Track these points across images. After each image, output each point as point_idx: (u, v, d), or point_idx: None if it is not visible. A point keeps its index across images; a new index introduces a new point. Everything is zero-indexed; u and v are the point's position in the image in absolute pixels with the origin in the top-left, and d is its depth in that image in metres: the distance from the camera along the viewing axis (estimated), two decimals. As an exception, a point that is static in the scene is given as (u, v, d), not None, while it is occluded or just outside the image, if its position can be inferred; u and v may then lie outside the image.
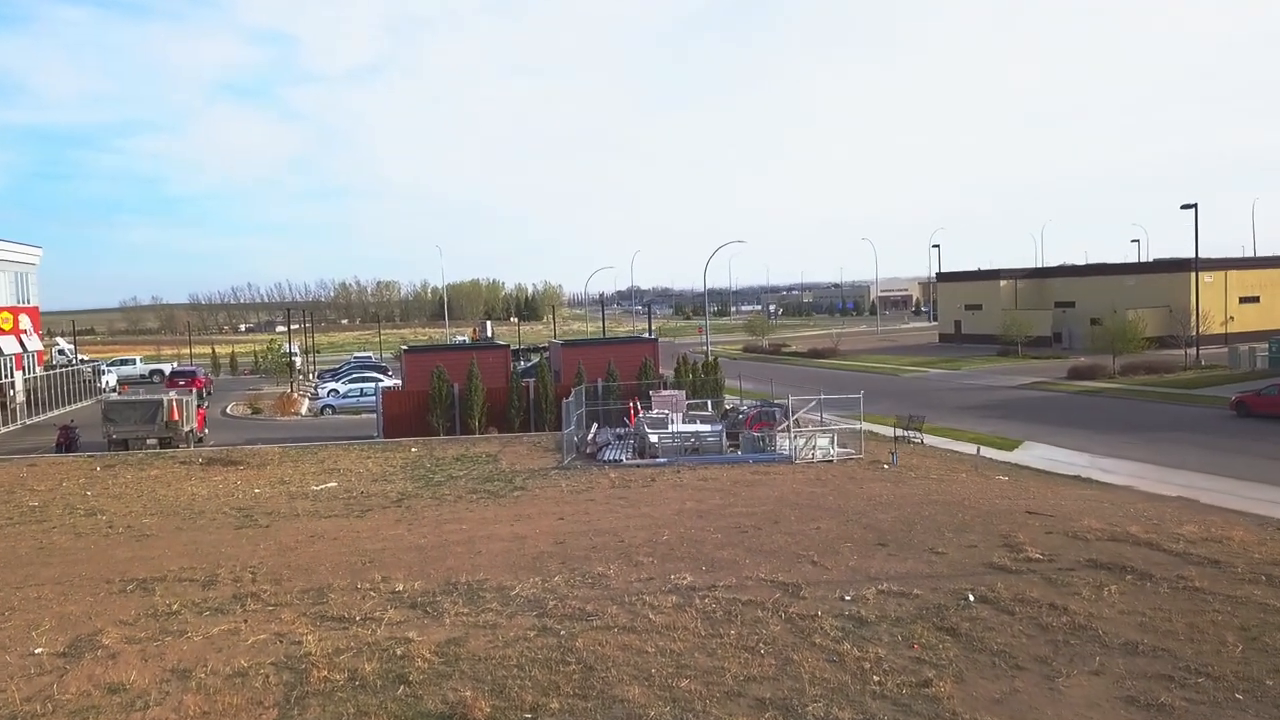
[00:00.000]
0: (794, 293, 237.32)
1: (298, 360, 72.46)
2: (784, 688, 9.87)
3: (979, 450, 26.99)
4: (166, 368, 70.88)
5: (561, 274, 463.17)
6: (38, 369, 52.02)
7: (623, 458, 25.93)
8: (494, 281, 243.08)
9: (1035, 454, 29.23)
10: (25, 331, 51.19)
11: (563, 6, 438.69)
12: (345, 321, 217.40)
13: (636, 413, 30.42)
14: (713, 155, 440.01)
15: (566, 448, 27.15)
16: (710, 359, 39.09)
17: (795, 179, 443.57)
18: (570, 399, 29.01)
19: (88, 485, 25.14)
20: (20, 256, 52.67)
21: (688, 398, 32.90)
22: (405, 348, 47.40)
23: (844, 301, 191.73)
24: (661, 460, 25.23)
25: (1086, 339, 68.60)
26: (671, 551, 15.66)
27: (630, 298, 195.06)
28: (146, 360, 77.56)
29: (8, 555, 17.45)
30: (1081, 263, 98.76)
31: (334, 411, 47.16)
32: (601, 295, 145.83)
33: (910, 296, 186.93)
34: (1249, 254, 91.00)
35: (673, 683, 10.04)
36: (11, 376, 46.78)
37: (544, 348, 54.88)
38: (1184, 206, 53.57)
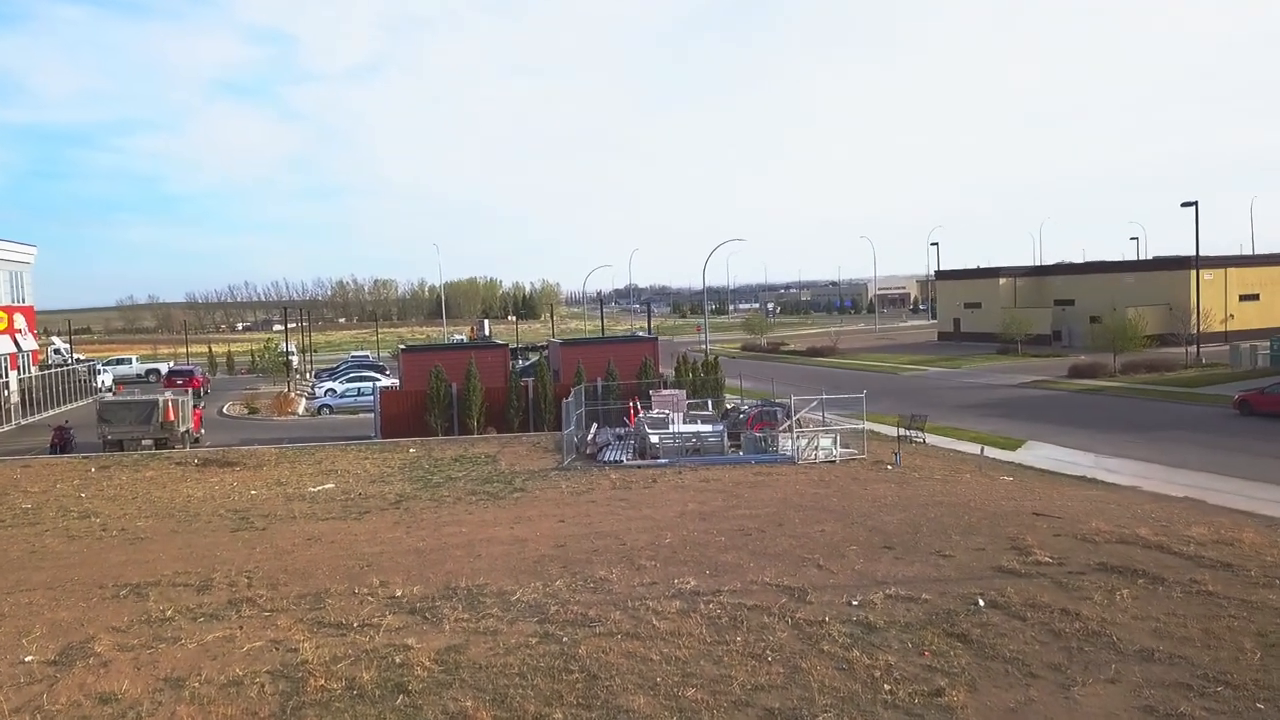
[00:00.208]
0: (791, 291, 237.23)
1: (295, 359, 72.17)
2: (793, 697, 9.63)
3: (983, 450, 26.78)
4: (163, 367, 70.58)
5: (559, 272, 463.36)
6: (33, 369, 51.67)
7: (623, 458, 25.68)
8: (491, 280, 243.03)
9: (1039, 454, 29.00)
10: (20, 331, 50.84)
11: (562, 6, 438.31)
12: (342, 320, 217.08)
13: (636, 412, 30.17)
14: (710, 154, 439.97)
15: (566, 448, 26.89)
16: (711, 358, 38.84)
17: (793, 178, 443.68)
18: (570, 399, 28.75)
19: (82, 487, 24.85)
20: (14, 255, 52.31)
21: (688, 397, 32.65)
22: (403, 347, 47.14)
23: (842, 300, 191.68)
24: (662, 461, 24.98)
25: (1086, 337, 68.45)
26: (674, 555, 15.41)
27: (628, 296, 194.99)
28: (143, 360, 77.27)
29: (-1, 559, 17.19)
30: (1080, 261, 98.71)
31: (331, 411, 46.87)
32: (599, 294, 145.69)
33: (908, 295, 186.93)
34: (1247, 252, 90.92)
35: (679, 692, 9.79)
36: (6, 377, 46.43)
37: (542, 346, 54.63)
38: (1184, 204, 53.43)
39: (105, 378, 60.45)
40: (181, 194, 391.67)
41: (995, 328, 72.29)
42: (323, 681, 10.27)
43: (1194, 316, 54.27)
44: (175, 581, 14.99)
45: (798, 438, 25.10)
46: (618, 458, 25.81)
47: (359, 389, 47.95)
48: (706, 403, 33.53)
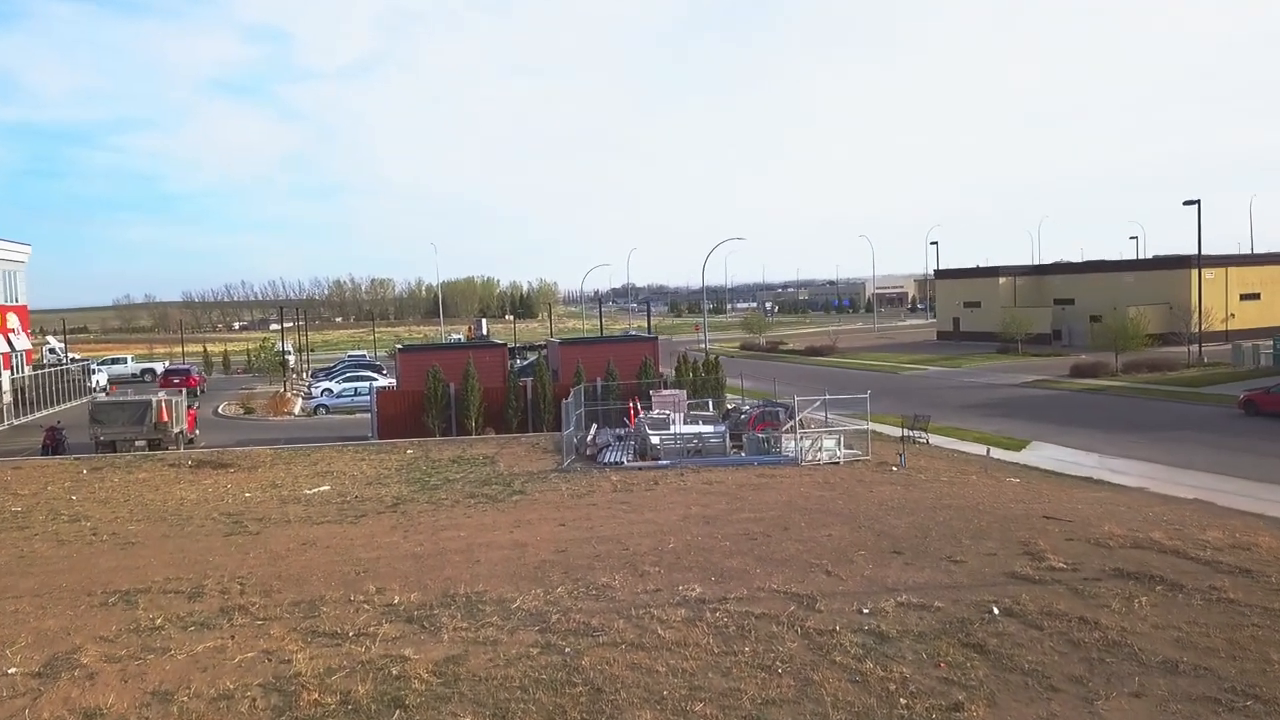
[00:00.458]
0: (789, 290, 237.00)
1: (291, 359, 71.73)
2: (805, 712, 9.26)
3: (989, 451, 26.42)
4: (158, 366, 70.10)
5: (557, 271, 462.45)
6: (26, 369, 51.18)
7: (624, 460, 25.29)
8: (489, 279, 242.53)
9: (1044, 454, 28.66)
10: (13, 330, 50.35)
11: (559, 5, 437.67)
12: (339, 319, 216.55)
13: (636, 413, 29.79)
14: (709, 153, 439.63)
15: (566, 449, 26.50)
16: (711, 358, 38.46)
17: (791, 178, 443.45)
18: (569, 399, 28.35)
19: (73, 489, 24.43)
20: (8, 254, 51.82)
21: (688, 397, 32.27)
22: (400, 347, 46.73)
23: (840, 299, 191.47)
24: (664, 462, 24.60)
25: (1086, 336, 68.18)
26: (678, 560, 15.04)
27: (626, 295, 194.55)
28: (138, 359, 76.79)
29: (-14, 564, 16.77)
30: (1078, 260, 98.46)
31: (328, 411, 46.46)
32: (597, 293, 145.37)
33: (906, 294, 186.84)
34: (1246, 251, 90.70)
35: (686, 706, 9.42)
36: (-1, 376, 45.97)
37: (540, 346, 54.22)
38: (1187, 203, 53.19)
39: (100, 377, 59.93)
40: (179, 193, 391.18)
41: (995, 327, 72.01)
42: (316, 695, 9.89)
43: (1196, 316, 53.95)
44: (166, 588, 14.60)
45: (801, 438, 24.72)
46: (618, 459, 25.43)
47: (356, 389, 47.52)
48: (707, 403, 33.15)
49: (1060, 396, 43.82)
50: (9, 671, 11.01)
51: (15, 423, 43.46)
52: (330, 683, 10.27)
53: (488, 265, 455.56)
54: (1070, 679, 10.00)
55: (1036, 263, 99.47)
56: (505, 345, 43.83)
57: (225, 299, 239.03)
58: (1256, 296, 70.01)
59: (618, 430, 30.23)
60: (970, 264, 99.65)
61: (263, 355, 64.79)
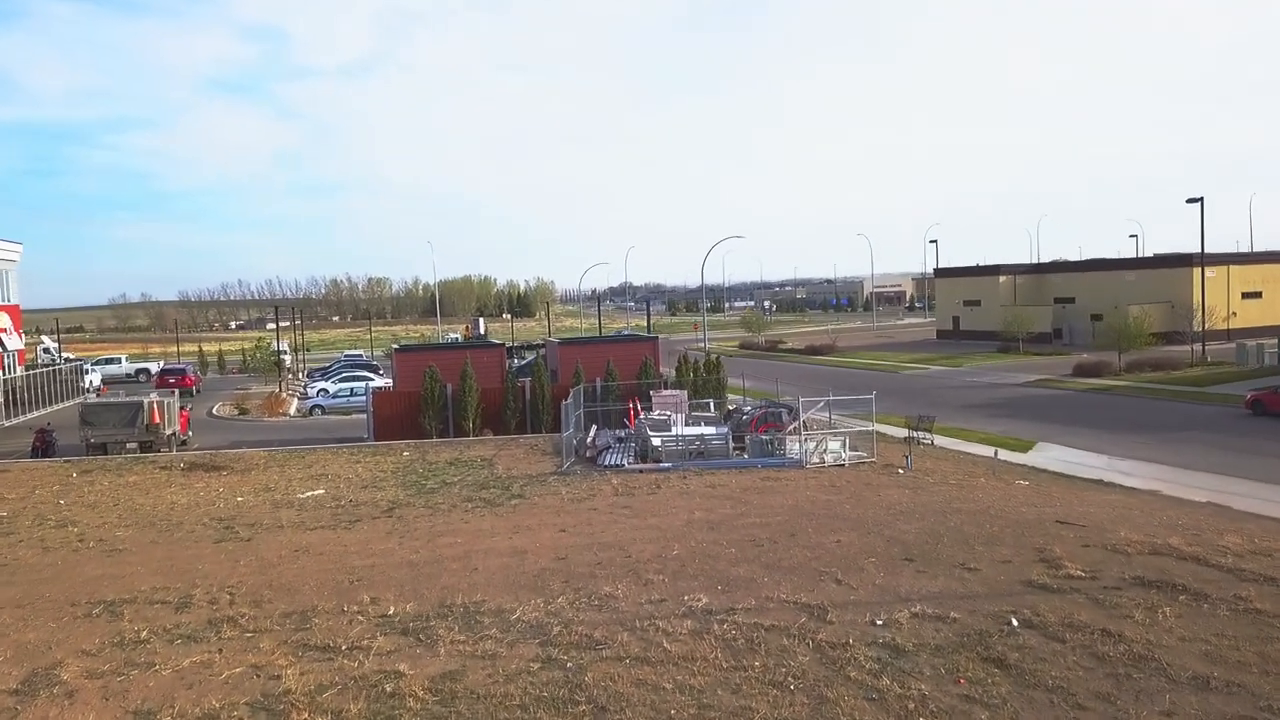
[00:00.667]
0: (787, 289, 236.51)
1: (287, 359, 71.16)
2: (822, 733, 8.80)
3: (996, 453, 25.95)
4: (153, 366, 69.53)
5: (554, 270, 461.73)
6: (18, 369, 50.58)
7: (625, 462, 24.80)
8: (486, 278, 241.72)
9: (1050, 455, 28.22)
10: (4, 330, 49.77)
11: (554, 4, 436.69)
12: (336, 319, 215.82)
13: (637, 414, 29.29)
14: (707, 153, 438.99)
15: (566, 451, 26.00)
16: (712, 358, 37.96)
17: (789, 177, 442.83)
18: (569, 400, 27.85)
19: (62, 493, 23.90)
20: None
21: (689, 398, 31.77)
22: (396, 347, 46.20)
23: (838, 298, 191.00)
24: (665, 465, 24.10)
25: (1087, 335, 67.80)
26: (683, 568, 14.56)
27: (623, 294, 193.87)
28: (132, 359, 76.15)
29: (-32, 573, 16.25)
30: (1077, 258, 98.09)
31: (323, 412, 45.90)
32: (595, 291, 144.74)
33: (904, 292, 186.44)
34: (1245, 250, 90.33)
35: (696, 727, 8.95)
36: (-10, 377, 45.39)
37: (539, 345, 53.69)
38: (1189, 200, 52.76)
39: (94, 378, 59.32)
40: (176, 192, 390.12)
41: (995, 326, 71.61)
42: (306, 715, 9.42)
43: (1199, 314, 53.54)
44: (153, 598, 14.09)
45: (805, 440, 24.24)
46: (619, 461, 24.94)
47: (352, 389, 46.96)
48: (708, 404, 32.65)
49: (1064, 396, 43.38)
50: (-15, 689, 10.52)
51: (6, 424, 42.85)
52: (321, 701, 9.80)
53: (485, 264, 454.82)
54: (1097, 696, 9.54)
55: (1036, 261, 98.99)
56: (503, 345, 43.33)
57: (221, 298, 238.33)
58: (1258, 295, 69.62)
59: (618, 432, 29.72)
60: (968, 263, 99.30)
61: (258, 355, 64.14)
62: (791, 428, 25.28)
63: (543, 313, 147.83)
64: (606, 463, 24.98)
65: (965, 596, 12.87)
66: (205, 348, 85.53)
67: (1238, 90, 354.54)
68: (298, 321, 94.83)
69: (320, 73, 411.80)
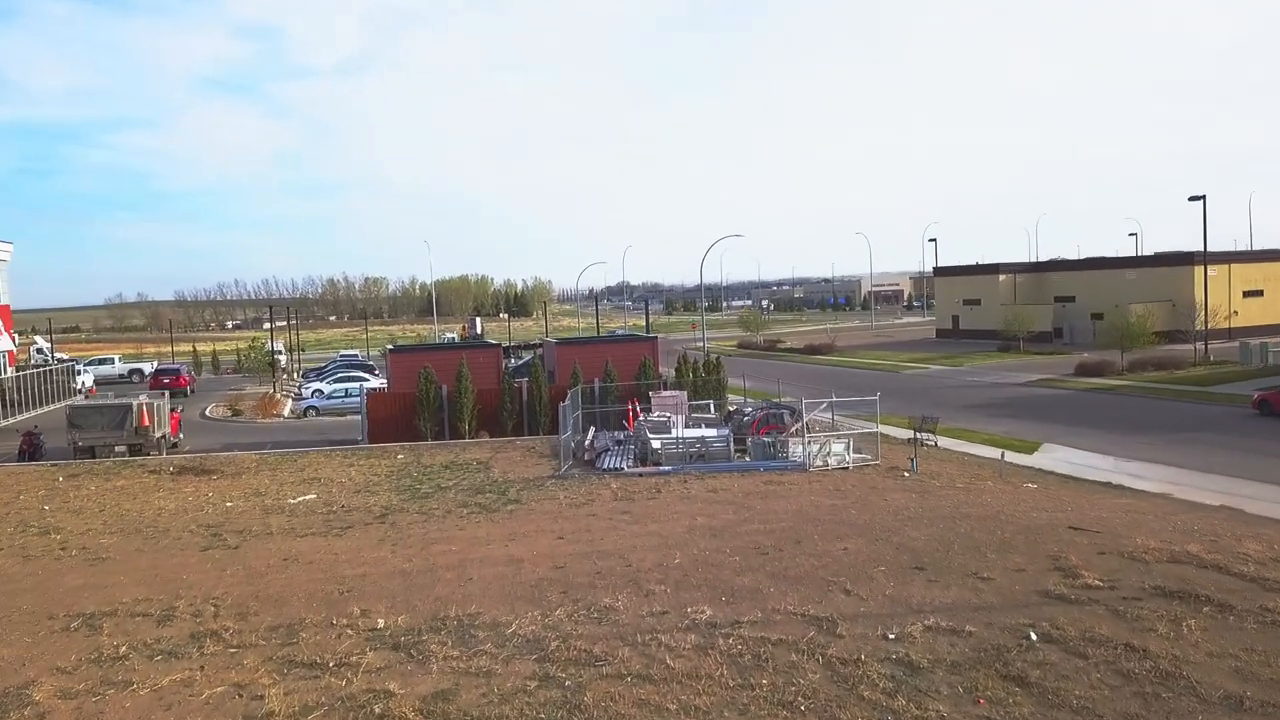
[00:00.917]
0: (785, 288, 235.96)
1: (282, 359, 70.53)
2: (836, 760, 8.28)
3: (1004, 455, 25.42)
4: (146, 367, 68.88)
5: (552, 270, 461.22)
6: (9, 370, 49.93)
7: (624, 465, 24.25)
8: (483, 277, 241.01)
9: (1056, 457, 27.72)
10: (-5, 330, 49.15)
11: (550, 3, 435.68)
12: (333, 318, 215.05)
13: (636, 415, 28.75)
14: (704, 152, 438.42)
15: (563, 454, 25.44)
16: (712, 358, 37.42)
17: (786, 176, 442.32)
18: (566, 401, 27.30)
19: (47, 498, 23.32)
20: (-11, 252, 50.61)
21: (689, 398, 31.24)
22: (391, 347, 45.55)
23: (835, 297, 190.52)
24: (665, 468, 23.57)
25: (1088, 334, 67.35)
26: (686, 578, 14.04)
27: (621, 293, 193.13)
28: (125, 359, 75.46)
29: (-55, 583, 15.69)
30: (1076, 257, 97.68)
31: (318, 413, 45.31)
32: (593, 291, 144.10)
33: (901, 291, 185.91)
34: (1244, 249, 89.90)
35: (703, 753, 8.44)
36: (-20, 378, 44.75)
37: (536, 345, 53.12)
38: (1192, 198, 52.28)
39: (86, 378, 58.67)
40: (174, 191, 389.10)
41: (995, 325, 71.13)
42: (289, 740, 8.90)
43: (1202, 313, 53.07)
44: (134, 610, 13.56)
45: (809, 443, 23.70)
46: (618, 464, 24.39)
47: (346, 390, 46.36)
48: (709, 404, 32.11)
49: (1067, 396, 42.90)
50: (-49, 711, 9.99)
51: (-4, 426, 42.25)
52: (305, 725, 9.28)
53: (484, 264, 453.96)
54: (1125, 717, 9.04)
55: (1035, 260, 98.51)
56: (500, 345, 42.76)
57: (218, 298, 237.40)
58: (1260, 293, 69.19)
59: (617, 434, 29.15)
60: (967, 261, 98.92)
61: (252, 355, 63.50)
62: (794, 429, 24.76)
63: (540, 312, 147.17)
64: (605, 466, 24.45)
65: (980, 608, 12.36)
66: (199, 348, 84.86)
67: (1238, 90, 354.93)
68: (293, 321, 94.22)
69: (317, 72, 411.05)
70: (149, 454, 30.22)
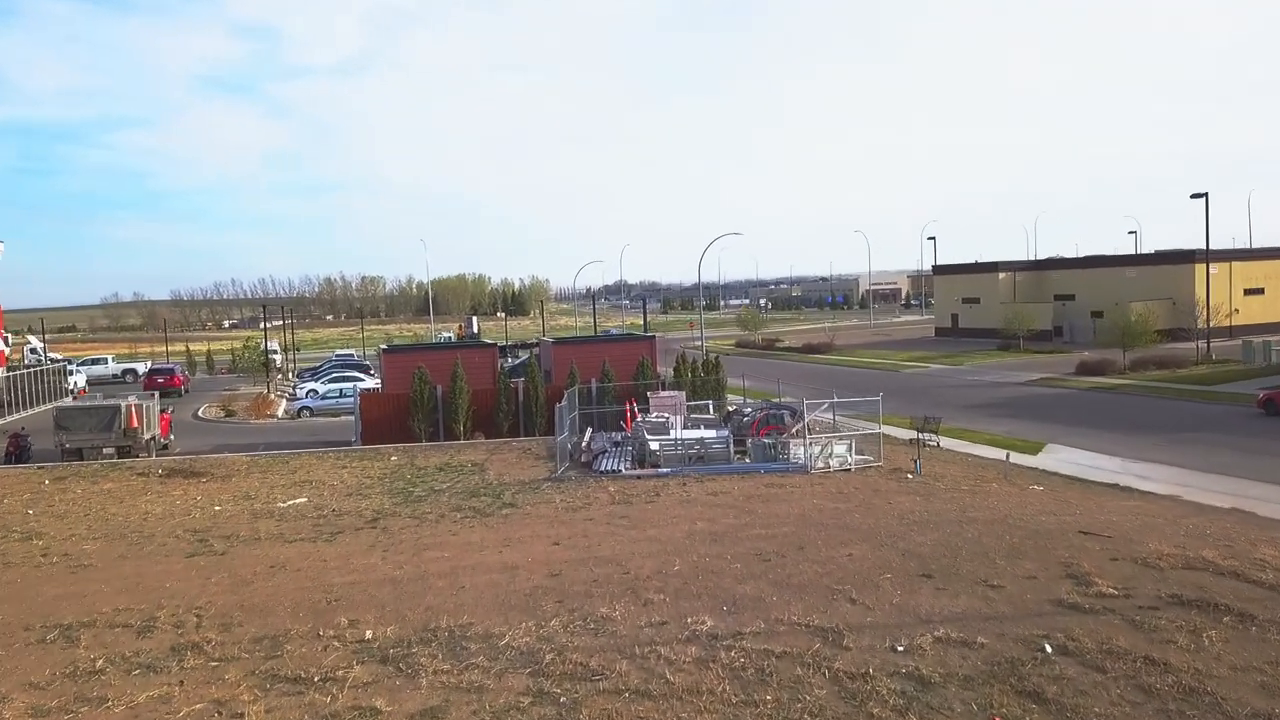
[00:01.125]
0: (782, 286, 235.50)
1: (277, 358, 69.98)
2: (846, 785, 7.82)
3: (1008, 457, 24.98)
4: (140, 367, 68.32)
5: (549, 268, 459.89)
6: (0, 370, 49.35)
7: (621, 467, 23.77)
8: (480, 276, 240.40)
9: (1061, 458, 27.30)
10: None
11: (555, 4, 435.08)
12: (330, 317, 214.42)
13: (634, 416, 28.28)
14: (702, 150, 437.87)
15: (560, 456, 24.96)
16: (711, 357, 36.96)
17: (783, 175, 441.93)
18: (563, 402, 26.82)
19: (32, 502, 22.83)
20: (-20, 251, 50.01)
21: (688, 399, 30.77)
22: (384, 347, 45.03)
23: (833, 295, 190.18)
24: (664, 470, 23.10)
25: (1088, 332, 66.95)
26: (685, 586, 13.57)
27: (618, 292, 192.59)
28: (119, 359, 74.89)
29: (-79, 591, 15.20)
30: (1074, 255, 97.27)
31: (311, 414, 44.78)
32: (590, 290, 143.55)
33: (899, 290, 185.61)
34: (1243, 247, 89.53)
35: (705, 777, 7.97)
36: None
37: (533, 344, 52.64)
38: (1194, 195, 51.81)
39: (78, 379, 58.11)
40: (172, 191, 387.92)
41: (995, 323, 70.73)
42: (268, 764, 8.42)
43: (1204, 311, 52.66)
44: (114, 621, 13.08)
45: (810, 444, 23.23)
46: (615, 467, 23.92)
47: (341, 390, 45.86)
48: (708, 405, 31.63)
49: (1069, 395, 42.49)
50: (-85, 731, 9.52)
51: (-14, 427, 41.66)
52: (286, 746, 8.81)
53: (481, 263, 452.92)
54: (1150, 738, 8.59)
55: (1034, 258, 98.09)
56: (495, 345, 42.26)
57: (214, 297, 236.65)
58: (1260, 291, 68.83)
59: (614, 435, 28.66)
60: (964, 260, 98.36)
61: (246, 355, 62.92)
62: (795, 430, 24.29)
63: (537, 311, 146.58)
64: (602, 468, 23.97)
65: (991, 618, 11.91)
66: (193, 347, 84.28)
67: (1238, 90, 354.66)
68: (288, 320, 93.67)
69: (315, 71, 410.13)
70: (138, 456, 29.70)
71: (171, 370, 61.23)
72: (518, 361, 45.75)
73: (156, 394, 34.35)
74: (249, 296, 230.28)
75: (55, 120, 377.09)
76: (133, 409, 29.80)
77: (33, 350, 74.07)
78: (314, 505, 21.29)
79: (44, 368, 53.54)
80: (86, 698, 10.34)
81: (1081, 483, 23.47)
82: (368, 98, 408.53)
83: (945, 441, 29.44)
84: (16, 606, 14.00)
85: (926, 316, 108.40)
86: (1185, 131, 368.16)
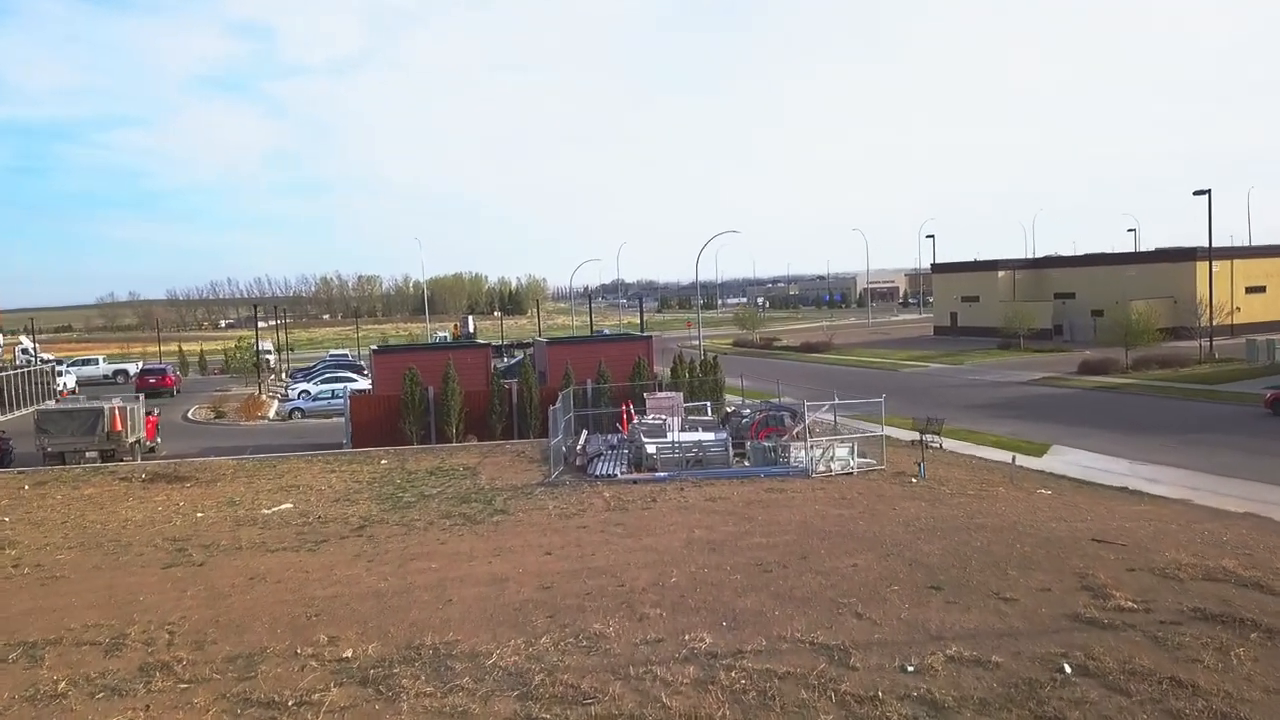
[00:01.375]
0: (779, 285, 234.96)
1: (271, 358, 69.27)
2: (858, 826, 7.20)
3: (1014, 459, 24.37)
4: (132, 367, 67.64)
5: (546, 267, 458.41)
6: (-11, 371, 48.62)
7: (617, 471, 23.13)
8: (477, 275, 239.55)
9: (1067, 460, 26.70)
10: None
11: (554, 3, 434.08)
12: (326, 317, 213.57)
13: (630, 418, 27.66)
14: (699, 149, 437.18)
15: (554, 460, 24.31)
16: (710, 357, 36.35)
17: (781, 173, 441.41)
18: (557, 404, 26.18)
19: (9, 508, 22.15)
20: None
21: (685, 399, 30.13)
22: (374, 348, 44.29)
23: (831, 294, 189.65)
24: (661, 474, 22.47)
25: (1089, 331, 66.38)
26: (683, 600, 12.94)
27: (615, 291, 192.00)
28: (111, 359, 74.15)
29: (-116, 605, 14.53)
30: (1072, 253, 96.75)
31: (303, 415, 44.13)
32: (587, 289, 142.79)
33: (897, 288, 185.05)
34: (1243, 245, 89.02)
35: (704, 817, 7.35)
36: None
37: (529, 344, 51.99)
38: (1197, 192, 51.31)
39: (68, 379, 57.41)
40: (169, 190, 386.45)
41: (995, 322, 70.19)
42: (232, 802, 7.78)
43: (1207, 310, 52.10)
44: (82, 638, 12.43)
45: (811, 447, 22.61)
46: (610, 471, 23.27)
47: (334, 391, 45.15)
48: (705, 406, 30.99)
49: (1072, 395, 41.92)
50: None
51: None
52: (252, 782, 8.16)
53: (479, 261, 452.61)
54: (1183, 770, 7.98)
55: (1032, 256, 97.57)
56: (488, 345, 41.63)
57: (210, 296, 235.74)
58: (1262, 289, 68.34)
59: (610, 438, 28.02)
60: (962, 258, 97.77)
61: (238, 355, 62.22)
62: (795, 432, 23.67)
63: (534, 310, 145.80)
64: (597, 472, 23.32)
65: (1005, 634, 11.28)
66: (186, 347, 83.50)
67: (1238, 90, 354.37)
68: (282, 320, 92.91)
69: (311, 70, 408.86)
70: (122, 460, 29.01)
71: (163, 370, 60.61)
72: (513, 361, 45.15)
73: (142, 396, 33.60)
74: (245, 296, 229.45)
75: (51, 119, 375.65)
76: (116, 411, 29.10)
77: (24, 351, 73.33)
78: (299, 512, 20.63)
79: (34, 369, 52.79)
80: (45, 724, 9.71)
81: (1090, 486, 22.87)
82: (366, 97, 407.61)
83: (948, 443, 28.84)
84: (-19, 622, 13.35)
85: (925, 315, 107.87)
86: (1185, 131, 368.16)
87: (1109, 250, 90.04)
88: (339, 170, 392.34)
